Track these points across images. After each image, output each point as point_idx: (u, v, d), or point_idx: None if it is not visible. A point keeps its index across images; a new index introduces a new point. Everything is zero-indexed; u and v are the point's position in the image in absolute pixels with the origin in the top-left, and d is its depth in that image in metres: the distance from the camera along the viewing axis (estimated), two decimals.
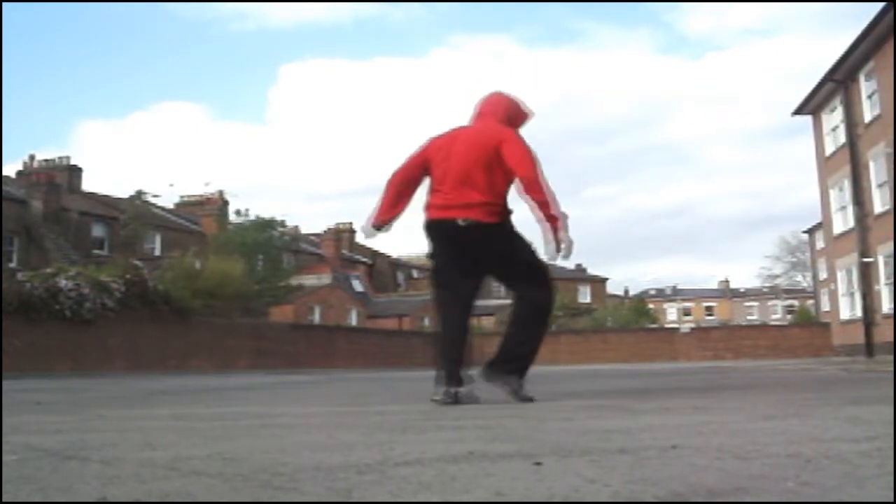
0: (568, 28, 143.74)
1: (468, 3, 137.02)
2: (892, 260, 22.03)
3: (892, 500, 1.35)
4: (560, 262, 4.78)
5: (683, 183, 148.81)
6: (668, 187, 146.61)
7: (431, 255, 4.71)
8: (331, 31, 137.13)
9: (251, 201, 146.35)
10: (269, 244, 35.39)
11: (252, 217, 37.15)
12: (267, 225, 36.29)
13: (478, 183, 4.43)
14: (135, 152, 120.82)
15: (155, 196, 38.41)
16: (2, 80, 54.93)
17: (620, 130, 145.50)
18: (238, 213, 38.76)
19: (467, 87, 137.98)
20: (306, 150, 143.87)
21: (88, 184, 41.33)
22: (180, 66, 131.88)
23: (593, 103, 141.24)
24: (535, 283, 4.65)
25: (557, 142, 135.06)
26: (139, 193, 37.46)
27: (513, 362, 4.56)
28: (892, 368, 9.59)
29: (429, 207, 4.59)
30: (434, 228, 4.57)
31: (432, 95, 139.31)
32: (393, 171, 4.78)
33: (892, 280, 22.20)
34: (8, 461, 2.03)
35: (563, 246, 4.45)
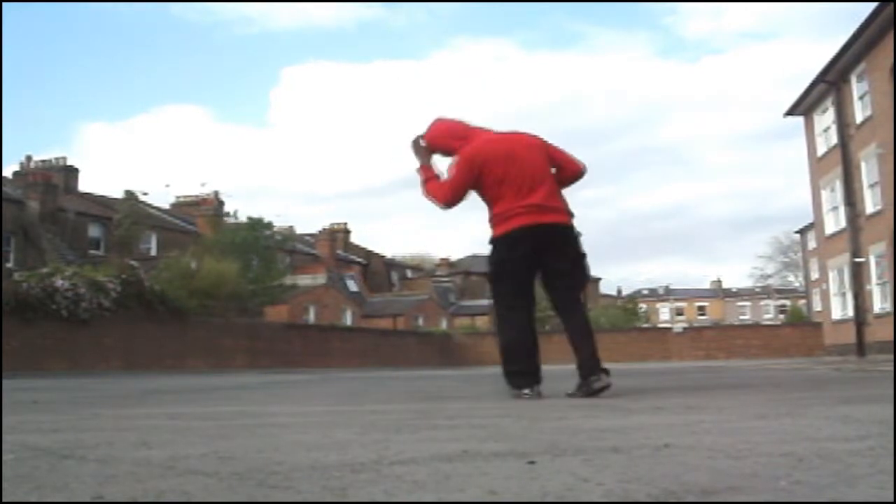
0: (568, 31, 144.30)
1: (469, 4, 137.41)
2: (883, 260, 22.10)
3: (888, 499, 1.35)
4: None
5: (678, 184, 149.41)
6: (663, 189, 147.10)
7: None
8: (333, 34, 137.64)
9: (251, 202, 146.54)
10: (259, 244, 35.36)
11: (242, 218, 37.13)
12: (257, 225, 36.27)
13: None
14: (138, 154, 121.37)
15: (144, 194, 38.37)
16: (2, 81, 54.74)
17: (617, 133, 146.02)
18: (228, 214, 38.74)
19: (468, 89, 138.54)
20: (307, 151, 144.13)
21: (92, 185, 41.44)
22: (184, 69, 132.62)
23: (591, 106, 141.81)
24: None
25: (556, 142, 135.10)
26: (128, 193, 37.40)
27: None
28: (883, 368, 9.63)
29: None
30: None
31: (433, 97, 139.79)
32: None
33: (883, 280, 22.27)
34: (5, 460, 2.03)
35: None
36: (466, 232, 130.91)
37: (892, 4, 19.38)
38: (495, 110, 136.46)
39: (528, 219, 4.55)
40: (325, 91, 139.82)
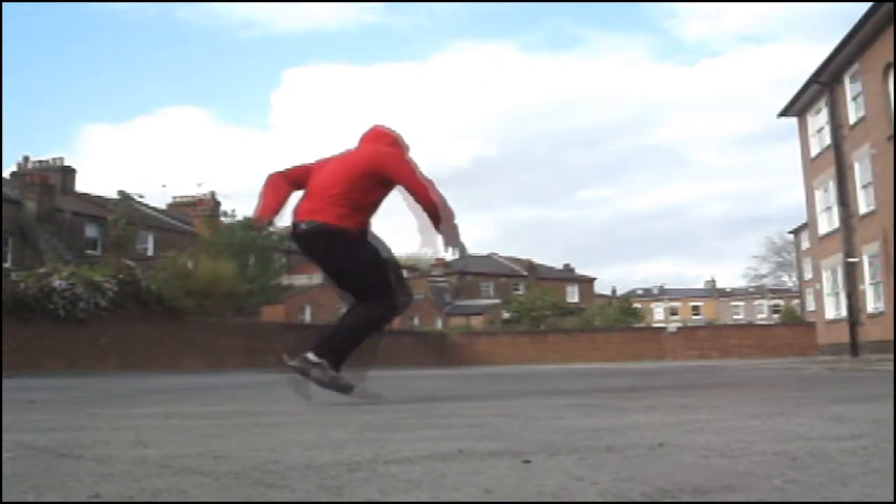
0: (568, 34, 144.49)
1: (469, 7, 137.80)
2: (876, 260, 22.16)
3: (881, 498, 1.36)
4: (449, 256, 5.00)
5: (675, 185, 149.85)
6: (660, 189, 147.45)
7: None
8: (335, 37, 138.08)
9: (250, 203, 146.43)
10: (256, 244, 35.33)
11: (239, 217, 37.10)
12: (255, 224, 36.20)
13: (334, 193, 4.62)
14: (139, 156, 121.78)
15: (140, 196, 38.36)
16: (2, 82, 54.60)
17: (615, 134, 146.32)
18: (225, 213, 38.72)
19: (468, 90, 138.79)
20: (307, 153, 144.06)
21: (93, 186, 41.42)
22: (186, 72, 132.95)
23: (590, 107, 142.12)
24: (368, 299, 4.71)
25: (554, 144, 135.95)
26: (122, 194, 37.37)
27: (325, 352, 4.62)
28: (877, 368, 9.66)
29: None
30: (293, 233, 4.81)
31: (433, 99, 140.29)
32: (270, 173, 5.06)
33: (876, 280, 22.33)
34: (3, 459, 2.04)
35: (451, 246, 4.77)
36: (463, 233, 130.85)
37: (884, 6, 19.44)
38: (495, 111, 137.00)
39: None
40: (326, 93, 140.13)
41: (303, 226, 4.66)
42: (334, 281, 4.84)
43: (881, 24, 20.17)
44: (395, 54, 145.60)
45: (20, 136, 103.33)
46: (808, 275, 46.11)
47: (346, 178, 4.63)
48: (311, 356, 4.55)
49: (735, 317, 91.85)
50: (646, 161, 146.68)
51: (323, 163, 4.88)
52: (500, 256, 74.55)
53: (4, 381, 9.12)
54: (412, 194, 4.62)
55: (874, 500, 1.36)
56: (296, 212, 4.76)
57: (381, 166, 4.64)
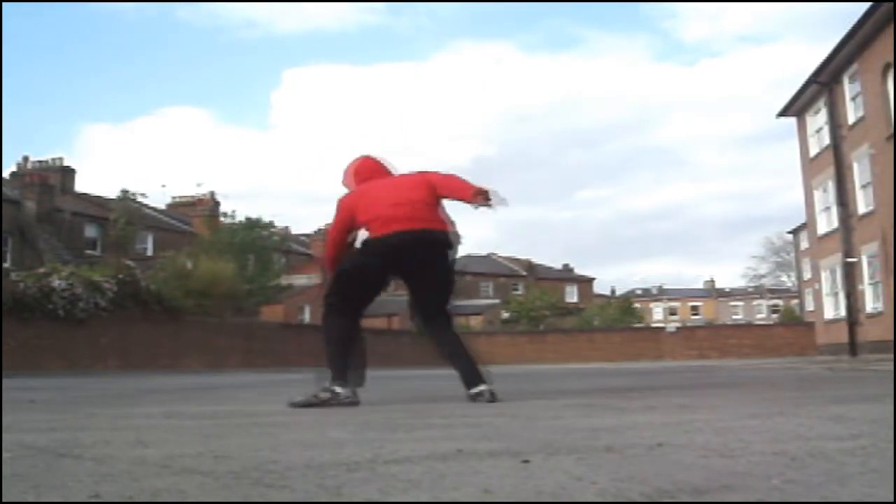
0: (568, 35, 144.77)
1: (470, 8, 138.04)
2: (875, 260, 22.17)
3: (879, 498, 1.36)
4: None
5: (674, 185, 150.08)
6: (660, 190, 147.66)
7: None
8: (335, 37, 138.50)
9: (249, 203, 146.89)
10: (256, 244, 35.35)
11: (240, 218, 37.13)
12: (254, 225, 36.26)
13: (420, 202, 4.58)
14: (139, 156, 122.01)
15: (142, 195, 38.40)
16: (2, 82, 54.56)
17: (615, 134, 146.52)
18: (225, 214, 38.73)
19: (468, 90, 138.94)
20: (307, 153, 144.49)
21: (93, 187, 41.47)
22: (186, 72, 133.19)
23: (590, 107, 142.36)
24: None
25: (554, 144, 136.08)
26: (124, 193, 37.43)
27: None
28: (876, 367, 9.67)
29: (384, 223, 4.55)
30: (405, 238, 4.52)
31: (433, 99, 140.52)
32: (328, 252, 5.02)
33: (875, 280, 22.34)
34: (3, 459, 2.04)
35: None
36: (461, 233, 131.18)
37: (884, 6, 19.45)
38: (495, 111, 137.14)
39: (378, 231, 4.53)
40: (326, 93, 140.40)
41: (437, 234, 4.55)
42: (430, 287, 4.79)
43: (880, 24, 20.17)
44: (395, 54, 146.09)
45: (20, 136, 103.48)
46: (807, 275, 46.09)
47: (418, 188, 4.60)
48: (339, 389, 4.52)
49: (734, 317, 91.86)
50: (646, 161, 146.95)
51: (365, 190, 4.75)
52: (500, 256, 74.60)
53: (4, 381, 9.11)
54: (461, 199, 4.60)
55: (873, 500, 1.36)
56: (388, 222, 4.53)
57: (438, 190, 4.63)
